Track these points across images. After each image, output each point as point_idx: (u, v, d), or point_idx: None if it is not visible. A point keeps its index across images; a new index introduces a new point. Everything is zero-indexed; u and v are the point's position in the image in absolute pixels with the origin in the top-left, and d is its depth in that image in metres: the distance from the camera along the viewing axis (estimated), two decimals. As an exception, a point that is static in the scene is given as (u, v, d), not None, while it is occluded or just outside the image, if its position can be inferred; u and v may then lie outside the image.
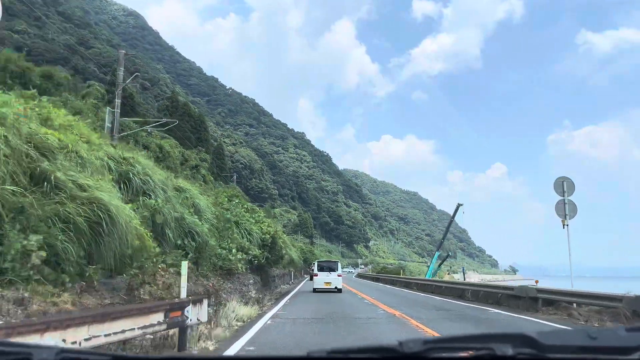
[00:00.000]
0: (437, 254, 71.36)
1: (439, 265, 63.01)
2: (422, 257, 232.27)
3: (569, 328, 8.72)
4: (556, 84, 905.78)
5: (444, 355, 1.23)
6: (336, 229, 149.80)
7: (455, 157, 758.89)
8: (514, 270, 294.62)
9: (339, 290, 24.21)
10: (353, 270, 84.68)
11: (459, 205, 67.15)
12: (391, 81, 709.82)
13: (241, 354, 6.98)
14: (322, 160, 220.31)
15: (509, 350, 1.17)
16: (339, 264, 26.20)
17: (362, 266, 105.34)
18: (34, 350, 1.22)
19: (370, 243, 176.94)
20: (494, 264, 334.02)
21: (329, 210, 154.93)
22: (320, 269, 25.17)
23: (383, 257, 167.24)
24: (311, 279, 29.37)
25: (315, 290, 24.62)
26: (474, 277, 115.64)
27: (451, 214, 66.07)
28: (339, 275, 24.70)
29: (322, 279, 24.56)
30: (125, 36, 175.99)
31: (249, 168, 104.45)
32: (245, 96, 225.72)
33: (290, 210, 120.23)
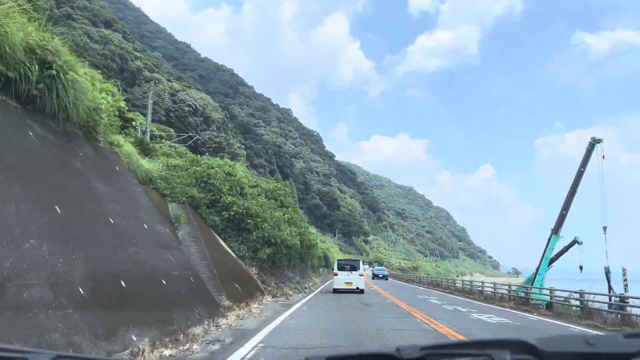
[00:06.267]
0: (555, 238, 35.15)
1: (557, 257, 30.41)
2: (426, 257, 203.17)
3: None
4: (549, 86, 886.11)
5: None
6: (330, 216, 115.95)
7: (444, 157, 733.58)
8: (517, 273, 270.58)
9: (361, 291, 23.25)
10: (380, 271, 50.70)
11: (594, 141, 32.24)
12: (386, 79, 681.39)
13: None
14: (312, 140, 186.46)
15: (507, 357, 1.13)
16: (361, 262, 24.93)
17: (376, 264, 75.91)
18: (29, 355, 1.17)
19: (370, 237, 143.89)
20: (496, 266, 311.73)
21: (321, 192, 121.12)
22: (341, 268, 23.89)
23: (385, 255, 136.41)
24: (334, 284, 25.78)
25: (335, 291, 23.50)
26: (480, 279, 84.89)
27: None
28: (360, 275, 23.65)
29: (343, 279, 23.50)
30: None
31: (203, 115, 70.39)
32: (221, 65, 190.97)
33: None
